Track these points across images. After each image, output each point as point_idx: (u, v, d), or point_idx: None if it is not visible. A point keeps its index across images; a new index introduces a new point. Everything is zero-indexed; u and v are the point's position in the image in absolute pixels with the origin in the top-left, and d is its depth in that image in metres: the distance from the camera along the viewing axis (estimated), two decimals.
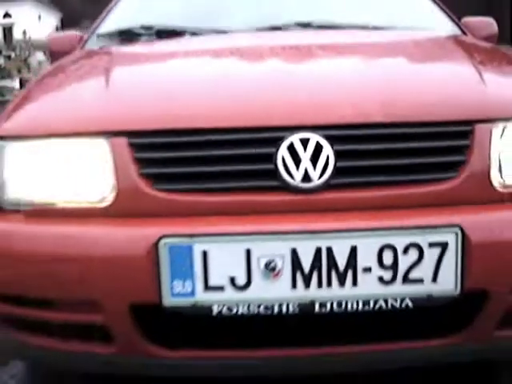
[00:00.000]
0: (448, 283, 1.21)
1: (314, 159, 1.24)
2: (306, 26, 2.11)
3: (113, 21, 2.44)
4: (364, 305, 1.21)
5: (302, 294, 1.20)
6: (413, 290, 1.21)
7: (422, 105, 1.34)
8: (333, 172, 1.24)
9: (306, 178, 1.24)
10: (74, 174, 1.33)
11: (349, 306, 1.21)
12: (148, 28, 2.21)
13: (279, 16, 2.18)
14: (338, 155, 1.25)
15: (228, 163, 1.27)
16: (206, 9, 2.36)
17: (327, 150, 1.24)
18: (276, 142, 1.25)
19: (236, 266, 1.18)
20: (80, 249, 1.26)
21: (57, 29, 69.79)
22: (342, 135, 1.27)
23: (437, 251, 1.20)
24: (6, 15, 66.21)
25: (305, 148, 1.24)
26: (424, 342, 1.29)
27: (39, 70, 29.26)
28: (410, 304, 1.22)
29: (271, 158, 1.25)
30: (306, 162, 1.24)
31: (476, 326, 1.28)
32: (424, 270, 1.20)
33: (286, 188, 1.25)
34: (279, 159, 1.24)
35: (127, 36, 2.21)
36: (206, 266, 1.18)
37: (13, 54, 42.27)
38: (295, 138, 1.25)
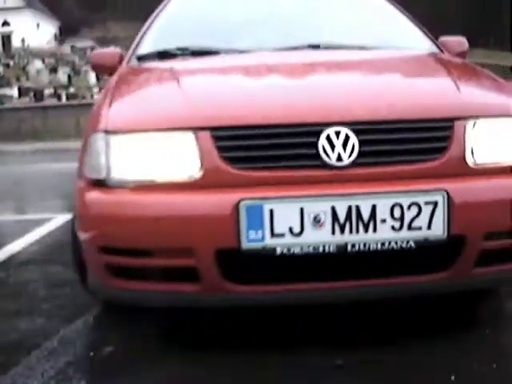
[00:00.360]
0: (438, 230, 1.73)
1: (344, 146, 1.77)
2: (315, 47, 2.66)
3: (148, 44, 2.91)
4: (381, 245, 1.73)
5: (338, 238, 1.71)
6: (415, 234, 1.73)
7: (415, 106, 1.92)
8: (357, 155, 1.77)
9: (339, 158, 1.76)
10: (169, 159, 1.81)
11: (371, 247, 1.73)
12: (183, 49, 2.67)
13: (293, 39, 2.72)
14: (361, 143, 1.77)
15: (285, 149, 1.79)
16: (229, 32, 2.88)
17: (353, 139, 1.77)
18: (318, 134, 1.78)
19: (293, 219, 1.69)
20: (178, 210, 1.76)
21: (55, 37, 69.84)
22: (363, 129, 1.80)
23: (430, 207, 1.72)
24: (5, 23, 66.22)
25: (337, 138, 1.77)
26: (422, 277, 1.82)
27: (37, 78, 29.30)
28: (413, 245, 1.74)
29: (315, 145, 1.77)
30: (338, 148, 1.77)
31: (458, 264, 1.81)
32: (422, 221, 1.72)
33: (325, 166, 1.77)
34: (320, 146, 1.77)
35: (165, 56, 2.66)
36: (272, 220, 1.68)
37: (11, 62, 42.26)
38: (331, 131, 1.78)
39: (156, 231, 1.77)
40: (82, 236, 1.96)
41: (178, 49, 2.69)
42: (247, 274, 1.77)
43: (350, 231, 1.71)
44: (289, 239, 1.70)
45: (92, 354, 2.00)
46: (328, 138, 1.78)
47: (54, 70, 32.33)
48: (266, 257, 1.71)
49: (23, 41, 59.66)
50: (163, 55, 2.68)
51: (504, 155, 1.89)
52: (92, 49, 52.40)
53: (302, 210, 1.70)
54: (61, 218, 4.39)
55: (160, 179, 1.81)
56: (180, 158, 1.81)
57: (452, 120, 1.86)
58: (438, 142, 1.84)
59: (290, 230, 1.70)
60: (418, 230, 1.73)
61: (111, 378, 1.85)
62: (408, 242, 1.74)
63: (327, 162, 1.76)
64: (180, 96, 1.99)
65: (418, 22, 3.09)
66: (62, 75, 29.14)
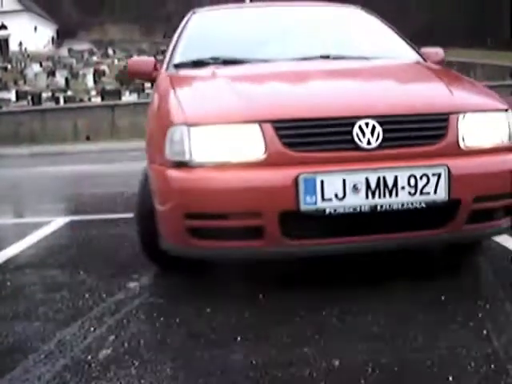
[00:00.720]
0: (442, 194, 2.31)
1: (372, 133, 2.34)
2: (326, 57, 3.23)
3: (181, 54, 3.38)
4: (401, 206, 2.29)
5: (370, 201, 2.28)
6: (425, 198, 2.31)
7: (422, 104, 2.54)
8: (382, 140, 2.34)
9: (368, 143, 2.33)
10: (239, 144, 2.35)
11: (394, 207, 2.29)
12: (215, 58, 3.19)
13: (306, 51, 3.32)
14: (384, 131, 2.35)
15: (329, 136, 2.35)
16: (250, 45, 3.45)
17: (378, 129, 2.35)
18: (352, 125, 2.34)
19: (337, 187, 2.25)
20: (250, 183, 2.30)
21: (53, 40, 69.83)
22: (385, 121, 2.37)
23: (436, 178, 2.31)
24: (2, 27, 66.16)
25: (366, 127, 2.34)
26: (428, 232, 2.42)
27: (35, 82, 29.29)
28: (424, 205, 2.31)
29: (351, 133, 2.33)
30: (368, 135, 2.33)
31: (454, 222, 2.41)
32: (430, 188, 2.30)
33: (359, 148, 2.33)
34: (354, 133, 2.33)
35: (199, 64, 3.18)
36: (322, 188, 2.24)
37: (9, 66, 42.22)
38: (362, 122, 2.35)
39: (232, 199, 2.33)
40: (163, 207, 2.47)
41: (211, 58, 3.22)
42: (303, 230, 2.35)
43: (379, 196, 2.29)
44: (335, 202, 2.27)
45: (89, 357, 2.00)
46: (360, 128, 2.35)
47: (51, 74, 32.33)
48: (317, 216, 2.29)
49: (21, 44, 59.61)
50: (197, 64, 3.20)
51: (485, 140, 2.52)
52: (89, 51, 52.48)
53: (344, 181, 2.27)
54: (58, 221, 4.39)
55: (233, 160, 2.34)
56: (248, 144, 2.35)
57: (448, 114, 2.47)
58: (439, 130, 2.44)
59: (336, 195, 2.26)
60: (428, 194, 2.32)
61: (108, 381, 1.85)
62: (420, 204, 2.32)
63: (360, 145, 2.33)
64: (238, 96, 2.57)
65: (403, 35, 3.66)
66: (60, 78, 29.15)
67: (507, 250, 3.08)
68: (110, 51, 54.21)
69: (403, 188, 2.30)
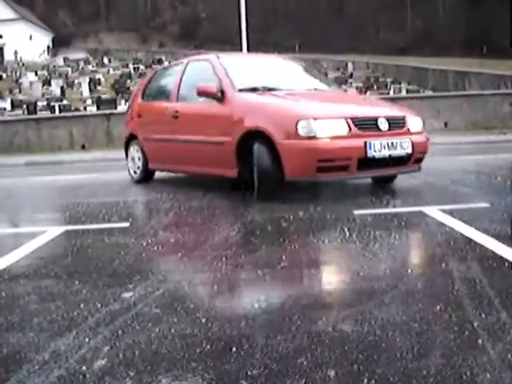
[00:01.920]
0: (410, 150, 5.55)
1: (384, 123, 5.47)
2: (316, 89, 6.49)
3: (239, 83, 6.06)
4: (398, 155, 5.47)
5: (388, 152, 5.40)
6: (405, 151, 5.53)
7: (397, 112, 5.96)
8: (388, 126, 5.48)
9: (383, 128, 5.44)
10: (337, 127, 5.23)
11: (396, 155, 5.46)
12: (263, 87, 6.05)
13: (304, 86, 6.57)
14: (389, 123, 5.50)
15: (370, 124, 5.43)
16: (273, 80, 6.41)
17: (386, 122, 5.48)
18: (376, 120, 5.46)
19: (377, 146, 5.37)
20: (344, 144, 5.22)
21: (48, 49, 69.83)
22: (387, 119, 5.52)
23: (409, 143, 5.53)
24: None
25: (382, 121, 5.47)
26: (404, 167, 5.70)
27: (30, 91, 29.27)
28: (405, 155, 5.53)
29: (376, 123, 5.44)
30: (383, 124, 5.45)
31: (410, 162, 5.65)
32: (407, 148, 5.52)
33: (380, 130, 5.42)
34: (379, 123, 5.45)
35: (254, 90, 5.98)
36: (372, 146, 5.30)
37: (4, 75, 42.12)
38: (380, 119, 5.47)
39: (336, 151, 5.16)
40: (300, 160, 5.23)
41: (261, 87, 6.06)
42: (367, 166, 5.31)
43: (390, 149, 5.36)
44: (377, 152, 5.28)
45: (84, 368, 1.99)
46: (380, 121, 5.42)
47: (47, 82, 32.30)
48: (371, 159, 5.26)
49: (16, 53, 59.58)
50: (253, 90, 5.99)
51: (416, 128, 5.79)
52: (85, 60, 52.30)
53: (380, 143, 5.30)
54: (53, 231, 4.38)
55: (336, 134, 5.18)
56: (340, 127, 5.21)
57: (405, 117, 5.75)
58: (403, 123, 5.66)
59: (377, 149, 5.27)
60: (406, 149, 5.49)
61: None
62: (404, 154, 5.49)
63: (381, 128, 5.40)
64: (318, 103, 5.87)
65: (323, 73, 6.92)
66: (55, 87, 29.13)
67: (503, 258, 3.08)
68: (106, 60, 54.16)
69: (397, 146, 5.40)
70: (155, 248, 3.75)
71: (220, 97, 5.92)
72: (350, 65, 44.04)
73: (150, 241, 3.90)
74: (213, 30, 67.16)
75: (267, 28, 65.84)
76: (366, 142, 5.15)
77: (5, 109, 22.38)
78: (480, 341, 2.05)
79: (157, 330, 2.28)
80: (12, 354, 2.12)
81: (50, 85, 30.83)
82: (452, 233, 3.73)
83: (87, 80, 32.23)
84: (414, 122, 5.78)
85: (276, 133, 5.24)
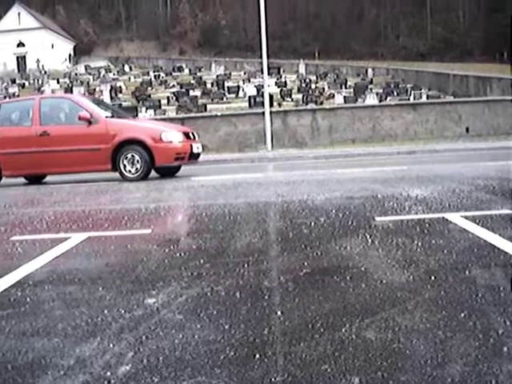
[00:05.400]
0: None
1: None
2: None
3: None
4: None
5: None
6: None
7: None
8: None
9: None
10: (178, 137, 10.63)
11: None
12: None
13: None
14: None
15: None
16: None
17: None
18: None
19: None
20: None
21: (70, 57, 70.53)
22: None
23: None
24: (20, 44, 66.91)
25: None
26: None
27: None
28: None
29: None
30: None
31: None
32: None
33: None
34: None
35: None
36: None
37: (27, 83, 42.57)
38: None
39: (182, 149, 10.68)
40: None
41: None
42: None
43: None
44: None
45: (108, 373, 2.00)
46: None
47: (68, 90, 32.60)
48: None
49: (38, 61, 60.25)
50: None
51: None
52: (106, 68, 52.79)
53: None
54: (76, 237, 4.41)
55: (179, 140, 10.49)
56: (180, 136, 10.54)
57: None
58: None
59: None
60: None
61: None
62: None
63: None
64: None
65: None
66: None
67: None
68: (127, 68, 54.59)
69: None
70: None
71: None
72: (369, 71, 43.90)
73: None
74: (233, 37, 67.43)
75: (287, 35, 65.93)
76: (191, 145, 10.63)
77: None
78: (505, 348, 2.03)
79: (180, 336, 2.29)
80: (37, 360, 2.14)
81: (71, 92, 31.12)
82: (475, 239, 3.70)
83: (108, 88, 32.54)
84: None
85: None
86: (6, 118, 11.10)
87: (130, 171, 10.16)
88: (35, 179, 11.51)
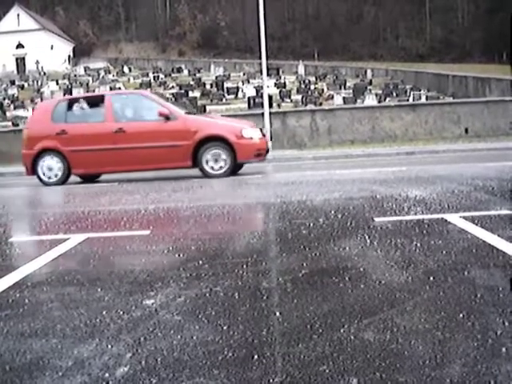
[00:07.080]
0: None
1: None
2: None
3: None
4: None
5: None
6: None
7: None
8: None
9: None
10: (257, 133, 10.84)
11: None
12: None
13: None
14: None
15: None
16: None
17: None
18: None
19: None
20: None
21: (69, 58, 70.52)
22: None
23: None
24: (19, 46, 66.93)
25: None
26: None
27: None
28: None
29: None
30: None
31: None
32: None
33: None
34: None
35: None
36: None
37: (26, 84, 42.60)
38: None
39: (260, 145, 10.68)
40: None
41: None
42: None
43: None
44: None
45: (106, 374, 1.99)
46: None
47: (68, 92, 32.61)
48: None
49: (37, 63, 60.25)
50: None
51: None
52: (105, 70, 52.83)
53: None
54: (75, 238, 4.41)
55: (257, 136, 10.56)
56: (258, 133, 10.74)
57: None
58: None
59: None
60: None
61: None
62: None
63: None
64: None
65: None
66: None
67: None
68: (126, 69, 54.60)
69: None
70: None
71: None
72: (369, 72, 43.95)
73: None
74: (232, 38, 67.47)
75: (286, 36, 65.99)
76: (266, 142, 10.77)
77: (26, 117, 22.62)
78: (504, 349, 2.02)
79: (179, 337, 2.29)
80: (35, 361, 2.13)
81: (71, 94, 31.13)
82: (474, 240, 3.70)
83: (108, 89, 32.51)
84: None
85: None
86: (73, 115, 10.60)
87: (212, 168, 9.95)
88: (89, 178, 11.11)
